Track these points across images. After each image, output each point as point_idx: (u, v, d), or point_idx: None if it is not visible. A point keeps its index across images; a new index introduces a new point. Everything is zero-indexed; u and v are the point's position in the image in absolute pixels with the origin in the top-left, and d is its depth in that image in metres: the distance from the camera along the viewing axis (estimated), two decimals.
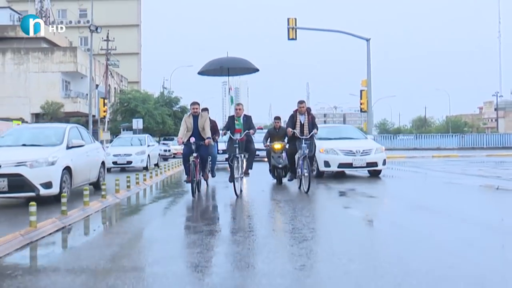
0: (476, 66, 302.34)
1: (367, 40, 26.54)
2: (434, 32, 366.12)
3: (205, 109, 11.70)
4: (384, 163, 13.34)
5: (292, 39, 26.50)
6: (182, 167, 11.50)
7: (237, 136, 10.05)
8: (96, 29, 26.30)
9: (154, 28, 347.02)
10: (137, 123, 35.09)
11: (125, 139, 21.70)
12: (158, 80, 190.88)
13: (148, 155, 18.68)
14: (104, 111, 28.96)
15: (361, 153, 12.93)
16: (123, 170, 18.09)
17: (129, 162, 18.19)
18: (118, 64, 43.57)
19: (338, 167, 13.04)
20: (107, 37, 33.12)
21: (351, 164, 12.91)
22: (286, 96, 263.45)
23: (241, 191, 9.94)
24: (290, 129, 10.62)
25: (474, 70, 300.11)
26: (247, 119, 10.60)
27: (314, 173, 13.04)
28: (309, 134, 10.52)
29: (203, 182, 11.02)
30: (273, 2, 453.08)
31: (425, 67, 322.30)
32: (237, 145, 9.91)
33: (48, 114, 32.52)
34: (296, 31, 26.56)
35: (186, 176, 10.15)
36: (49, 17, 49.17)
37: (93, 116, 38.51)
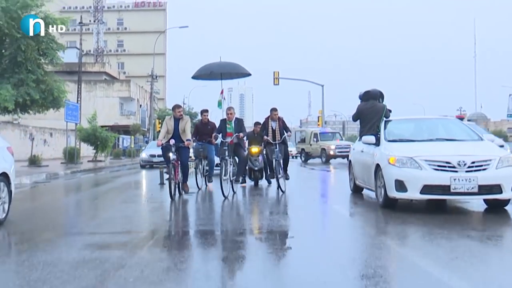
0: (456, 82, 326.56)
1: (322, 86, 42.29)
2: (415, 50, 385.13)
3: (206, 111, 11.94)
4: None
5: (276, 84, 42.39)
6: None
7: (228, 139, 10.19)
8: (156, 77, 42.57)
9: (176, 54, 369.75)
10: None
11: None
12: (179, 95, 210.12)
13: None
14: (159, 127, 45.39)
15: (469, 166, 6.83)
16: None
17: None
18: (159, 92, 59.99)
19: (421, 192, 6.92)
20: (152, 74, 49.27)
21: (448, 187, 6.76)
22: (290, 102, 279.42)
23: (228, 193, 9.54)
24: (265, 137, 11.08)
25: (455, 85, 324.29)
26: (238, 122, 10.74)
27: (381, 199, 7.64)
28: (281, 138, 10.92)
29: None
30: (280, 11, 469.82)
31: (412, 83, 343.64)
32: (226, 148, 9.85)
33: (134, 130, 48.72)
34: (279, 79, 42.54)
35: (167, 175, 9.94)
36: (104, 52, 65.78)
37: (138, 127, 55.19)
